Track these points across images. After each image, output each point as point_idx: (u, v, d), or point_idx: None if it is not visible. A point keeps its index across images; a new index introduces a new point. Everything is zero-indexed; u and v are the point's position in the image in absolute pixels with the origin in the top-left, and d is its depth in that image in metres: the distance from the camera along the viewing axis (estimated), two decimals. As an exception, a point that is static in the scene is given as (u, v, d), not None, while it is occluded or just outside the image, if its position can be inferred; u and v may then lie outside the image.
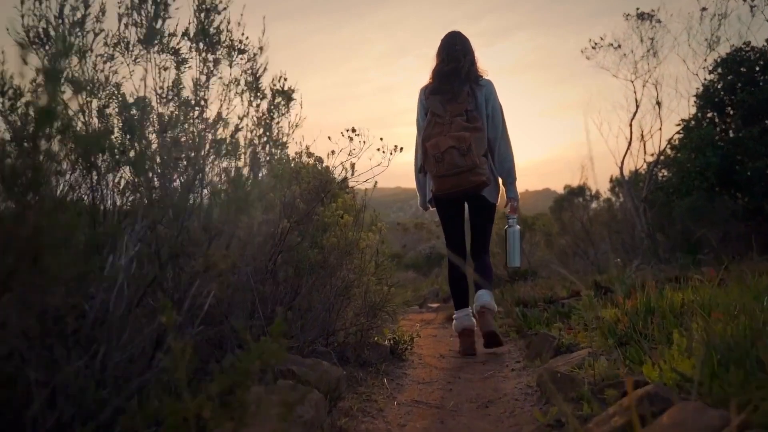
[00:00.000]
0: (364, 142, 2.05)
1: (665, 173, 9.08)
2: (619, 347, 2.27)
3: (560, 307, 3.81)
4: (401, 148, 2.17)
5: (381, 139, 2.11)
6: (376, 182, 2.21)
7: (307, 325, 2.29)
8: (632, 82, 10.12)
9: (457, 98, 2.97)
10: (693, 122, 7.88)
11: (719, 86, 7.76)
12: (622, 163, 9.63)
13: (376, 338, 2.84)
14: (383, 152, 2.12)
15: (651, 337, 2.24)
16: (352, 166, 2.53)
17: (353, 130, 2.08)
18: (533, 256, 7.61)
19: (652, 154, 9.46)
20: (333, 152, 2.06)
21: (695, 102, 8.14)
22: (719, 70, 7.82)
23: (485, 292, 3.05)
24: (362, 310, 2.41)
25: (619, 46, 10.62)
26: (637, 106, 9.64)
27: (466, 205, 3.20)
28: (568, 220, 8.97)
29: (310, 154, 2.19)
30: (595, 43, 10.55)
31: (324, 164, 2.13)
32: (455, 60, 3.06)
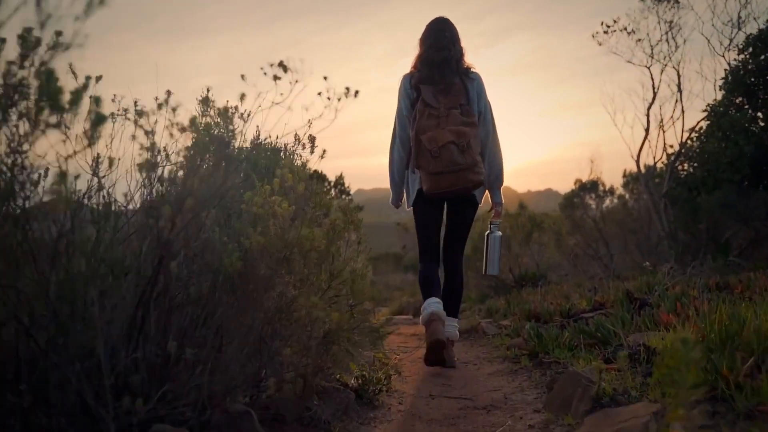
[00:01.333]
0: (297, 81, 1.26)
1: (686, 167, 8.26)
2: (702, 402, 1.48)
3: (584, 324, 3.02)
4: (356, 92, 1.38)
5: (325, 78, 1.32)
6: (324, 151, 1.42)
7: (219, 370, 1.50)
8: (648, 68, 9.30)
9: (450, 90, 2.75)
10: (721, 108, 7.07)
11: (750, 67, 6.94)
12: (639, 155, 8.82)
13: (338, 376, 2.05)
14: (328, 98, 1.33)
15: (750, 387, 1.46)
16: (310, 138, 1.78)
17: (281, 65, 1.29)
18: (542, 258, 6.81)
19: (671, 146, 8.65)
20: (243, 96, 1.27)
21: (722, 86, 7.32)
22: (750, 49, 7.01)
23: (450, 325, 2.86)
24: (308, 344, 1.62)
25: (633, 31, 9.83)
26: (655, 94, 8.83)
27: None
28: (579, 219, 8.13)
29: (206, 100, 1.40)
30: (608, 27, 9.75)
31: (229, 113, 1.34)
32: (446, 48, 2.82)
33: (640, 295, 3.42)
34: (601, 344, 2.73)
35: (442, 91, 2.74)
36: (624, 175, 11.73)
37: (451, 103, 2.71)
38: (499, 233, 3.04)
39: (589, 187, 8.57)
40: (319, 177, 19.32)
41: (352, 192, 18.72)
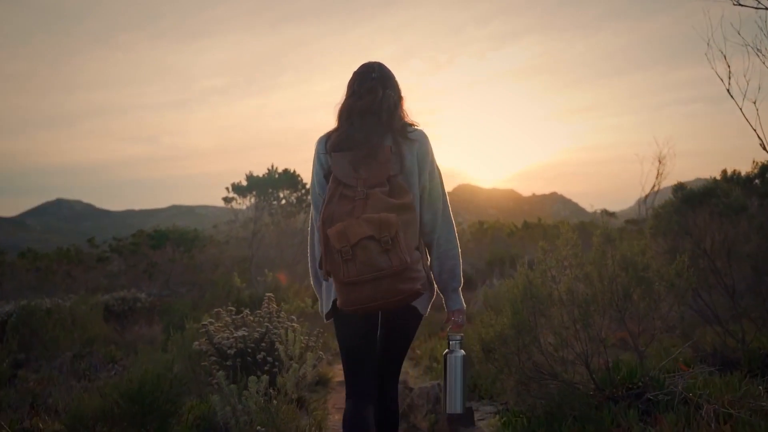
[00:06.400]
0: None
1: None
2: None
3: None
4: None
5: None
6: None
7: None
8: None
9: (376, 156, 2.08)
10: None
11: None
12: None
13: None
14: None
15: None
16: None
17: None
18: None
19: None
20: None
21: None
22: None
23: None
24: None
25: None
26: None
27: None
28: (694, 252, 4.63)
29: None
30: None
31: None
32: (371, 91, 2.16)
33: None
34: None
35: (363, 159, 2.08)
36: (726, 179, 8.08)
37: (375, 178, 2.04)
38: (462, 352, 2.20)
39: (704, 194, 5.06)
40: (290, 177, 15.64)
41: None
